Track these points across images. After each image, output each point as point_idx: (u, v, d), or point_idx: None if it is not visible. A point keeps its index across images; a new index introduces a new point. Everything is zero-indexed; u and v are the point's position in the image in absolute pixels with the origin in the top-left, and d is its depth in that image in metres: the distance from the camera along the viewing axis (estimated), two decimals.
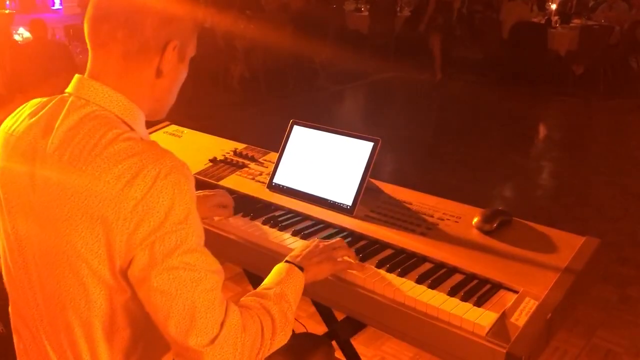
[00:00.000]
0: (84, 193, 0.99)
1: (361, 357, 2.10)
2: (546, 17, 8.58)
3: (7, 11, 7.68)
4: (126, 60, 1.09)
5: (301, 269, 1.26)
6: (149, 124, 1.18)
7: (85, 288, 1.03)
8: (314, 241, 1.37)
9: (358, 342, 2.50)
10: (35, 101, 1.15)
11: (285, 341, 1.16)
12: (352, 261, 1.39)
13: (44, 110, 1.11)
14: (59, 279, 1.04)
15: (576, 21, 8.57)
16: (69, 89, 1.11)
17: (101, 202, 0.98)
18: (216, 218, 1.63)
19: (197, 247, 1.02)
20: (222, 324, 1.02)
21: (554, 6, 8.63)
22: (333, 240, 1.39)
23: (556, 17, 8.36)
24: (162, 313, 1.00)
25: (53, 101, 1.11)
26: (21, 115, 1.14)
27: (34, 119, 1.10)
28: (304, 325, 1.97)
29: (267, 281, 1.22)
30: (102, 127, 1.04)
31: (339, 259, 1.36)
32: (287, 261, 1.28)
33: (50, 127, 1.06)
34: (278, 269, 1.25)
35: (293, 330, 1.21)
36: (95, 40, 1.09)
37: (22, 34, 6.61)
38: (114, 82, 1.09)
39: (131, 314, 1.07)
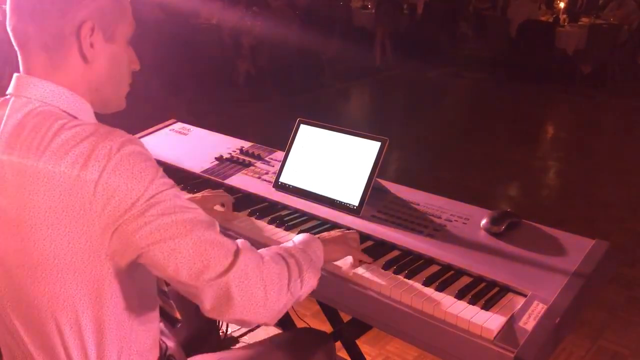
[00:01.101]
0: (42, 189, 0.96)
1: (365, 356, 2.09)
2: (554, 16, 8.54)
3: None
4: (47, 52, 1.04)
5: None
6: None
7: (68, 286, 1.00)
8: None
9: (362, 342, 2.49)
10: None
11: (315, 284, 1.17)
12: (367, 258, 1.42)
13: None
14: (40, 282, 1.01)
15: (584, 20, 8.52)
16: (9, 90, 1.08)
17: (62, 193, 0.95)
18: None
19: (178, 194, 1.01)
20: (235, 253, 1.03)
21: (562, 4, 8.58)
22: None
23: (564, 16, 8.32)
24: (171, 268, 0.99)
25: None
26: None
27: None
28: (307, 324, 1.96)
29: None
30: (46, 121, 1.00)
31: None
32: None
33: None
34: (296, 237, 1.28)
35: (295, 325, 1.19)
36: (15, 39, 1.06)
37: None
38: (48, 76, 1.05)
39: (116, 305, 1.05)
